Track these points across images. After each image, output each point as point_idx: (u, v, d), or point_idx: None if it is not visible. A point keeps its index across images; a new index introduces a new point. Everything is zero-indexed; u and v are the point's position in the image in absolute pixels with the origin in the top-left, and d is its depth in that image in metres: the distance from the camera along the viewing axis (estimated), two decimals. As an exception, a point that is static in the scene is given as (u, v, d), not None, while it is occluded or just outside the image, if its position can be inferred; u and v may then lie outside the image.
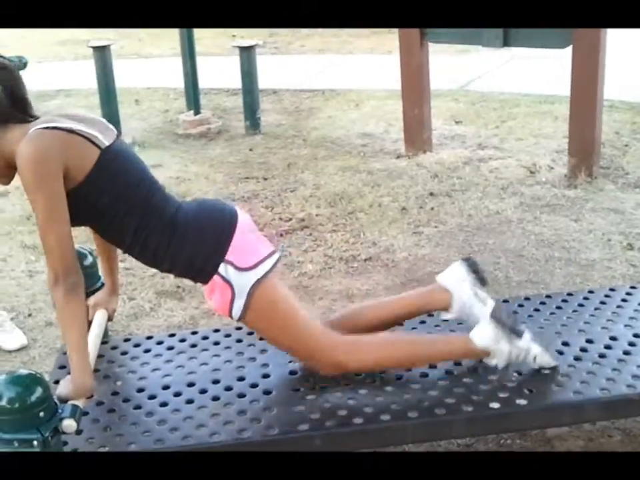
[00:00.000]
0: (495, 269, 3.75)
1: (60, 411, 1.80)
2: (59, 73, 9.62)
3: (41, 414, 1.75)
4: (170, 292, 3.68)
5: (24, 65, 6.46)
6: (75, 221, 1.97)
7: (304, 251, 4.06)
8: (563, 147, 5.27)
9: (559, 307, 2.54)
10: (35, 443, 1.73)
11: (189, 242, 2.05)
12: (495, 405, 2.04)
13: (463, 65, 8.51)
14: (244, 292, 2.04)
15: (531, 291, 3.50)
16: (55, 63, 10.39)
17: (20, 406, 1.73)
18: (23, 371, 1.82)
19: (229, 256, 2.04)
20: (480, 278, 2.31)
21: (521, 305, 2.56)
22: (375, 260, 3.93)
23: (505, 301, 2.60)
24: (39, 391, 1.76)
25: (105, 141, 2.00)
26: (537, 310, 2.52)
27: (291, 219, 4.45)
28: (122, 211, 2.01)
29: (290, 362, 2.27)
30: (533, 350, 2.15)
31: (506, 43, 5.01)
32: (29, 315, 3.48)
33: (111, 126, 2.08)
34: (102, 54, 6.21)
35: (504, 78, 8.00)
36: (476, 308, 2.23)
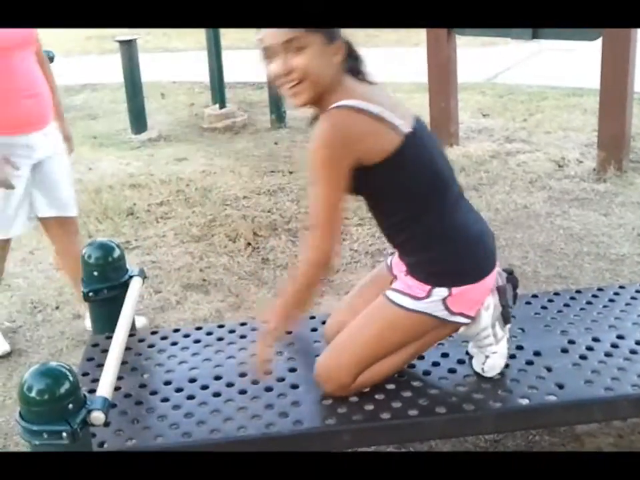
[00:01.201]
0: (523, 264, 3.71)
1: (88, 403, 1.80)
2: (85, 68, 9.70)
3: (70, 406, 1.75)
4: (196, 285, 3.68)
5: (51, 59, 6.51)
6: (353, 192, 1.93)
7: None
8: (592, 140, 5.21)
9: (589, 302, 2.50)
10: (64, 434, 1.73)
11: (454, 252, 1.99)
12: (524, 401, 2.01)
13: (490, 58, 8.44)
14: (421, 308, 2.00)
15: (559, 285, 3.46)
16: (81, 57, 10.48)
17: (49, 398, 1.73)
18: (52, 363, 1.82)
19: (455, 290, 1.98)
20: (506, 314, 2.12)
21: (550, 300, 2.52)
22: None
23: (534, 296, 2.56)
24: (67, 383, 1.76)
25: (405, 128, 1.91)
26: (566, 305, 2.49)
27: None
28: (408, 198, 1.94)
29: (317, 356, 2.26)
30: (499, 345, 2.10)
31: (535, 35, 4.96)
32: (57, 308, 3.50)
33: (411, 111, 2.01)
34: (128, 48, 6.23)
35: (532, 70, 7.93)
36: (488, 339, 2.10)
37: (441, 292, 1.99)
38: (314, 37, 1.85)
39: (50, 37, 11.48)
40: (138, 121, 6.37)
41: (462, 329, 2.08)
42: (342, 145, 1.83)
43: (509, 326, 2.15)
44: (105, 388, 1.89)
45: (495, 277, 2.07)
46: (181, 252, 4.02)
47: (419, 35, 8.46)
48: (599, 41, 4.61)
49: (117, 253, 2.49)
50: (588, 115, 5.97)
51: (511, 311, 2.14)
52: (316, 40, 1.85)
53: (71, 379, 1.78)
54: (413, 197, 1.95)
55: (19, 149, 2.83)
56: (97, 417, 1.79)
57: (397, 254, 2.16)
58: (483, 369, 2.11)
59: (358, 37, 8.00)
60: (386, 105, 1.90)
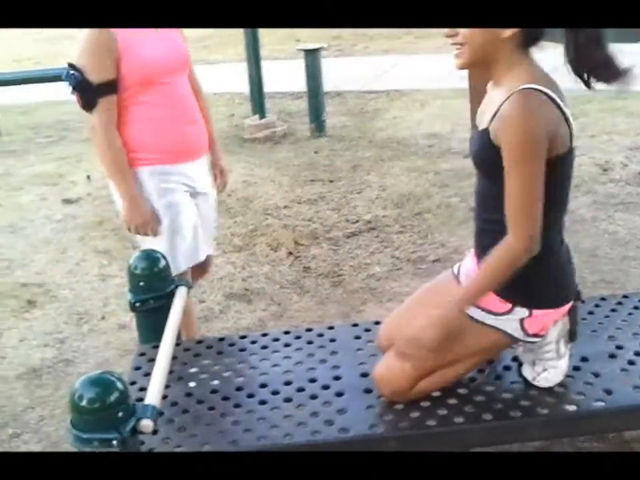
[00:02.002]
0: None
1: (137, 411, 1.83)
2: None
3: (120, 414, 1.78)
4: (238, 295, 3.71)
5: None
6: (487, 171, 1.92)
7: (371, 253, 4.05)
8: (637, 143, 5.15)
9: (636, 307, 2.46)
10: (114, 442, 1.76)
11: (543, 274, 1.96)
12: (572, 408, 1.99)
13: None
14: (496, 324, 1.98)
15: (605, 291, 3.41)
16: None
17: (100, 406, 1.76)
18: (102, 372, 1.85)
19: (536, 312, 1.97)
20: (573, 332, 2.11)
21: (597, 305, 2.49)
22: (444, 261, 3.88)
23: (581, 302, 2.53)
24: (117, 392, 1.78)
25: (574, 137, 1.90)
26: (613, 310, 2.45)
27: (357, 221, 4.45)
28: (547, 205, 1.86)
29: (360, 364, 2.26)
30: (560, 361, 2.07)
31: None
32: (102, 318, 3.56)
33: None
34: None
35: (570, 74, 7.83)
36: (550, 354, 2.07)
37: (521, 312, 1.96)
38: None
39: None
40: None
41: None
42: (543, 126, 1.78)
43: (571, 344, 2.12)
44: (153, 396, 1.91)
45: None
46: (224, 262, 4.05)
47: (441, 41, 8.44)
48: (642, 43, 4.55)
49: (162, 263, 2.52)
50: (633, 118, 5.89)
51: (577, 329, 2.11)
52: None
53: (121, 387, 1.81)
54: (551, 207, 1.88)
55: (177, 177, 2.68)
56: (146, 425, 1.82)
57: (476, 261, 2.07)
58: (535, 378, 2.08)
59: (396, 45, 8.04)
60: (565, 102, 1.87)
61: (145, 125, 2.59)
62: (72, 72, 2.50)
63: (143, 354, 2.48)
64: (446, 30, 1.88)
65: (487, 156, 1.90)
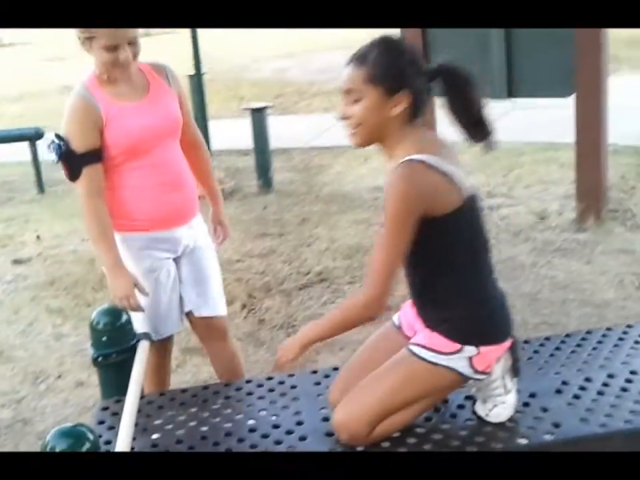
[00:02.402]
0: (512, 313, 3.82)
1: (108, 461, 1.87)
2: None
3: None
4: (195, 349, 3.76)
5: (41, 136, 6.72)
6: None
7: (323, 303, 4.16)
8: (571, 192, 5.40)
9: (578, 345, 2.61)
10: (87, 492, 1.80)
11: (491, 311, 2.11)
12: (524, 441, 2.10)
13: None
14: (446, 363, 2.08)
15: (547, 332, 3.56)
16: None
17: (72, 457, 1.81)
18: (73, 425, 1.90)
19: (484, 349, 2.08)
20: (516, 367, 2.23)
21: (541, 345, 2.63)
22: (395, 309, 3.99)
23: (526, 342, 2.67)
24: (88, 443, 1.83)
25: (467, 192, 2.03)
26: (557, 349, 2.59)
27: (309, 273, 4.56)
28: (452, 262, 2.05)
29: (322, 409, 2.34)
30: (508, 396, 2.18)
31: (510, 94, 5.18)
32: (59, 377, 3.57)
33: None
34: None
35: (507, 128, 8.15)
36: (497, 390, 2.19)
37: (469, 350, 2.07)
38: (372, 91, 1.99)
39: (36, 112, 11.66)
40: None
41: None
42: (415, 199, 1.94)
43: (516, 379, 2.23)
44: (122, 446, 1.96)
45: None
46: (178, 317, 4.10)
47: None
48: (571, 98, 4.84)
49: (124, 317, 2.58)
50: (564, 169, 6.18)
51: (519, 365, 2.24)
52: (374, 93, 1.99)
53: (92, 438, 1.86)
54: (463, 258, 2.06)
55: (160, 243, 2.67)
56: (117, 473, 1.86)
57: (415, 310, 2.22)
58: (487, 414, 2.19)
59: (337, 102, 8.18)
60: (453, 163, 2.03)
61: (128, 191, 2.61)
62: (57, 142, 2.51)
63: (105, 408, 2.51)
64: (340, 113, 2.05)
65: None
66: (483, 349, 2.08)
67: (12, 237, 5.74)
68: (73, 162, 2.51)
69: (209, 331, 2.88)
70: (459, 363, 2.08)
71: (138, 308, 2.61)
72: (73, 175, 2.54)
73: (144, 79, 2.65)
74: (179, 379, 3.46)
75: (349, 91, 2.02)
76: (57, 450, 1.82)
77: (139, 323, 2.67)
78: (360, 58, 2.02)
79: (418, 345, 2.12)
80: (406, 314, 2.32)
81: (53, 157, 2.54)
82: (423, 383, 2.10)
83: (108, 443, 2.24)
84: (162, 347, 2.83)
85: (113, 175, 2.58)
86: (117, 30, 2.44)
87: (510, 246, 4.72)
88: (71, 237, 5.63)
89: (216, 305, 2.85)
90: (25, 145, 7.41)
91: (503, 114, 8.77)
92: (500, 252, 4.62)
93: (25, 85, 15.12)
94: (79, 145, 2.50)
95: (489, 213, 5.36)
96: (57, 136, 2.53)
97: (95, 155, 2.53)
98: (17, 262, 5.09)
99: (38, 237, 5.60)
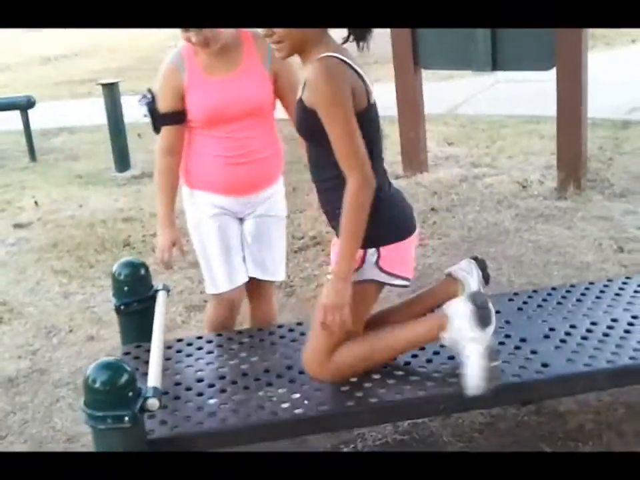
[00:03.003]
0: (498, 274, 4.05)
1: (143, 391, 2.07)
2: (58, 112, 9.90)
3: (130, 394, 2.02)
4: (198, 306, 3.95)
5: (32, 104, 6.86)
6: (310, 135, 2.19)
7: (319, 265, 4.35)
8: (551, 162, 5.62)
9: (563, 297, 2.84)
10: (126, 418, 2.00)
11: (379, 212, 2.19)
12: (516, 379, 2.32)
13: (450, 91, 8.89)
14: (361, 277, 2.24)
15: (533, 291, 3.80)
16: (53, 102, 10.69)
17: (112, 387, 2.00)
18: (110, 358, 2.09)
19: (384, 250, 2.24)
20: (485, 276, 2.54)
21: (530, 297, 2.85)
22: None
23: (515, 294, 2.89)
24: (127, 374, 2.03)
25: (372, 97, 2.19)
26: (544, 300, 2.82)
27: (303, 237, 4.75)
28: None
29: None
30: (476, 347, 2.21)
31: (495, 67, 5.37)
32: (70, 331, 3.74)
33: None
34: (111, 90, 6.52)
35: (489, 101, 8.38)
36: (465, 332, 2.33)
37: (372, 255, 2.23)
38: None
39: (20, 83, 11.70)
40: (122, 159, 6.64)
41: (449, 333, 2.29)
42: (343, 81, 2.08)
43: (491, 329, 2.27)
44: (154, 379, 2.16)
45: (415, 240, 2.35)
46: (180, 277, 4.28)
47: (379, 71, 8.90)
48: (552, 72, 5.04)
49: (143, 270, 2.77)
50: (545, 140, 6.40)
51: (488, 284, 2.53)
52: None
53: (129, 370, 2.05)
54: (372, 156, 2.16)
55: (224, 204, 2.77)
56: (153, 403, 2.06)
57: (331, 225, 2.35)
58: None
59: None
60: (358, 65, 2.17)
61: (199, 155, 2.73)
62: (147, 95, 2.69)
63: (127, 353, 2.70)
64: (263, 31, 2.17)
65: (306, 122, 2.18)
66: (384, 249, 2.24)
67: (10, 202, 5.87)
68: (155, 118, 2.70)
69: (258, 291, 2.98)
70: (369, 271, 2.25)
71: (167, 265, 2.82)
72: (155, 128, 2.73)
73: (240, 53, 2.67)
74: (184, 334, 3.64)
75: None
76: (98, 381, 2.01)
77: (205, 274, 2.86)
78: None
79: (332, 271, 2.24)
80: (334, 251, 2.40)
81: (142, 109, 2.71)
82: (352, 302, 2.20)
83: (133, 382, 2.43)
84: (226, 301, 2.85)
85: (191, 135, 2.73)
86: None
87: (494, 212, 4.93)
88: (68, 203, 5.77)
89: (274, 271, 2.92)
90: (13, 114, 7.50)
91: (486, 87, 8.98)
92: (485, 218, 4.84)
93: (6, 55, 15.08)
94: (160, 105, 2.67)
95: (473, 181, 5.58)
96: (149, 90, 2.71)
97: (173, 117, 2.67)
98: (17, 226, 5.23)
99: (36, 203, 5.73)
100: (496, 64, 5.37)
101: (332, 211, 2.28)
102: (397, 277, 2.30)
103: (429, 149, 6.21)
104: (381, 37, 5.76)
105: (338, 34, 2.22)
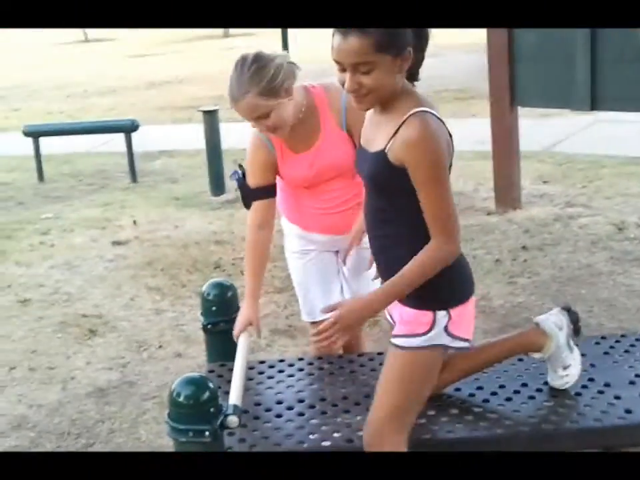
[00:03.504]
0: (589, 317, 3.97)
1: (224, 409, 2.13)
2: (159, 136, 10.25)
3: (211, 409, 2.09)
4: (282, 330, 4.03)
5: (136, 127, 7.20)
6: (386, 189, 2.06)
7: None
8: (650, 205, 5.48)
9: (653, 344, 2.77)
10: (207, 433, 2.06)
11: (452, 270, 2.07)
12: (597, 423, 2.28)
13: (548, 129, 8.78)
14: (430, 342, 2.11)
15: (623, 336, 3.70)
16: (154, 126, 11.10)
17: (195, 402, 2.08)
18: (195, 374, 2.17)
19: (454, 312, 2.10)
20: (576, 329, 2.46)
21: (617, 341, 2.79)
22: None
23: (603, 337, 2.84)
24: (209, 391, 2.09)
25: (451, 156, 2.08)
26: (632, 345, 2.75)
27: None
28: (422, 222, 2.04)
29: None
30: (574, 354, 2.41)
31: (594, 106, 5.29)
32: (160, 347, 3.88)
33: None
34: (211, 117, 6.75)
35: (588, 140, 8.22)
36: (565, 353, 2.40)
37: (442, 318, 2.09)
38: (382, 58, 1.93)
39: (125, 107, 12.19)
40: (217, 184, 6.85)
41: (540, 355, 2.38)
42: (444, 142, 1.97)
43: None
44: (235, 398, 2.22)
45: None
46: (267, 301, 4.37)
47: (475, 107, 8.89)
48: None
49: (231, 292, 2.85)
50: (645, 183, 6.24)
51: (579, 336, 2.48)
52: (384, 60, 1.93)
53: (212, 387, 2.12)
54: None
55: (315, 241, 2.85)
56: (232, 420, 2.12)
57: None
58: (563, 377, 2.42)
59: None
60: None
61: (290, 200, 2.81)
62: (238, 172, 2.74)
63: (211, 371, 2.79)
64: (348, 86, 1.97)
65: (385, 176, 2.03)
66: (454, 311, 2.11)
67: (110, 221, 6.13)
68: (245, 193, 2.72)
69: None
70: (438, 336, 2.11)
71: (235, 338, 2.68)
72: (245, 204, 2.75)
73: (317, 119, 2.64)
74: (268, 357, 3.72)
75: (358, 64, 1.93)
76: (182, 396, 2.09)
77: (302, 301, 2.92)
78: (358, 30, 1.92)
79: (397, 336, 2.15)
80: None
81: (234, 184, 2.78)
82: (419, 370, 2.14)
83: (215, 400, 2.51)
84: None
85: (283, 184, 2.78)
86: (237, 110, 2.52)
87: (588, 253, 4.84)
88: (165, 224, 5.98)
89: None
90: (117, 136, 7.84)
91: (586, 126, 8.83)
92: (578, 259, 4.75)
93: (113, 79, 15.77)
94: (250, 180, 2.69)
95: (567, 221, 5.49)
96: (240, 166, 2.74)
97: (264, 192, 2.68)
98: (116, 243, 5.46)
99: (134, 222, 5.96)
100: (595, 103, 5.29)
101: (387, 268, 2.15)
102: (462, 339, 2.17)
103: (524, 186, 6.15)
104: (478, 73, 5.80)
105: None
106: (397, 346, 2.14)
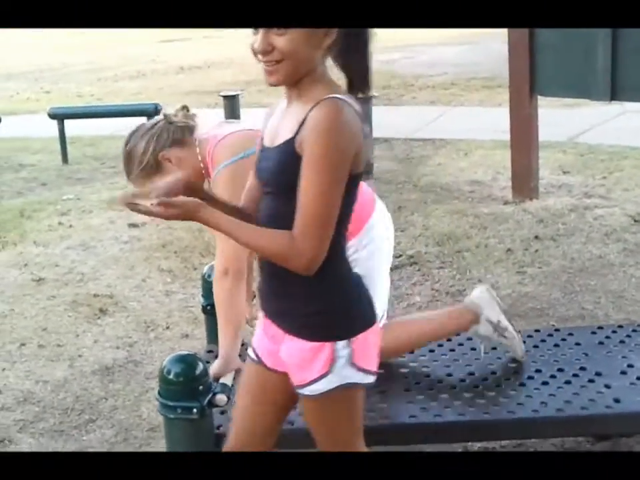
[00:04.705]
0: (596, 308, 3.96)
1: (214, 387, 2.18)
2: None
3: (200, 387, 2.14)
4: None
5: (159, 112, 7.27)
6: (289, 188, 1.69)
7: (412, 284, 4.38)
8: (669, 198, 5.42)
9: (651, 334, 2.76)
10: (194, 410, 2.11)
11: (347, 295, 1.80)
12: (584, 412, 2.29)
13: (572, 118, 8.70)
14: (338, 381, 1.77)
15: (628, 328, 3.68)
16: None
17: (184, 379, 2.13)
18: (186, 352, 2.22)
19: (356, 342, 1.77)
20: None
21: (614, 332, 2.79)
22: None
23: (600, 327, 2.84)
24: (199, 368, 2.15)
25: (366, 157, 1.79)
26: (628, 336, 2.75)
27: (401, 255, 4.78)
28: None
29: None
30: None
31: (614, 96, 5.23)
32: (167, 328, 3.94)
33: None
34: (231, 102, 6.80)
35: (613, 131, 8.13)
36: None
37: (344, 350, 1.75)
38: None
39: (153, 91, 12.29)
40: (236, 168, 6.90)
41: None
42: (353, 137, 1.65)
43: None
44: (227, 377, 2.27)
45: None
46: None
47: (502, 95, 8.80)
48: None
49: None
50: (667, 175, 6.17)
51: None
52: None
53: (202, 365, 2.17)
54: (339, 236, 1.74)
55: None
56: (221, 398, 2.18)
57: (269, 318, 1.88)
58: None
59: (442, 96, 8.45)
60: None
61: None
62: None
63: (210, 351, 2.83)
64: (258, 47, 1.68)
65: (290, 170, 1.68)
66: (356, 340, 1.77)
67: (129, 203, 6.20)
68: None
69: None
70: (345, 372, 1.77)
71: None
72: None
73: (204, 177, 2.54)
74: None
75: None
76: (172, 373, 2.14)
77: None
78: None
79: (301, 385, 1.81)
80: (260, 342, 1.95)
81: None
82: (338, 414, 1.83)
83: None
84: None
85: None
86: None
87: (601, 245, 4.80)
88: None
89: None
90: (141, 120, 7.93)
91: (611, 117, 8.73)
92: (590, 250, 4.73)
93: (144, 64, 15.88)
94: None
95: (582, 212, 5.45)
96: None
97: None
98: (132, 225, 5.52)
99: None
100: (615, 93, 5.24)
101: (288, 298, 1.80)
102: (370, 373, 1.82)
103: (543, 176, 6.11)
104: (505, 62, 5.78)
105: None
106: (306, 395, 1.81)
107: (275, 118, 1.82)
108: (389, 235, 2.67)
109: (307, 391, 1.79)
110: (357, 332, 1.77)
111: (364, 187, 2.26)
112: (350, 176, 1.67)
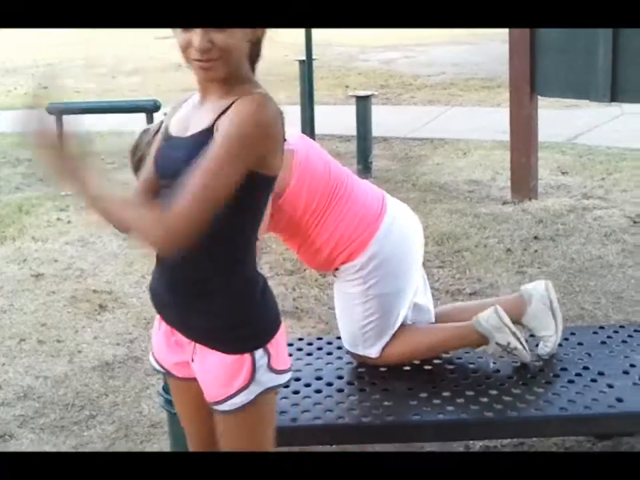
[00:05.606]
0: (595, 308, 3.97)
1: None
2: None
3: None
4: (289, 312, 4.06)
5: (158, 108, 7.21)
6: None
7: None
8: (668, 199, 5.44)
9: (652, 334, 2.77)
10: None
11: (258, 299, 1.76)
12: (587, 411, 2.29)
13: (572, 119, 8.71)
14: (258, 389, 1.74)
15: (628, 328, 3.69)
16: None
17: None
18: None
19: (271, 346, 1.75)
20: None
21: (616, 332, 2.79)
22: (479, 294, 4.20)
23: (601, 327, 2.84)
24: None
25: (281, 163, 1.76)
26: (630, 336, 2.75)
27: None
28: (241, 244, 1.73)
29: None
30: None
31: (613, 98, 5.24)
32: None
33: None
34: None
35: (612, 133, 8.15)
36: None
37: (261, 358, 1.72)
38: None
39: (151, 87, 12.24)
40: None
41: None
42: (265, 132, 1.63)
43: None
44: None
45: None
46: (275, 283, 4.40)
47: (501, 95, 8.82)
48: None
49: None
50: (665, 176, 6.19)
51: None
52: None
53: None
54: (248, 239, 1.73)
55: None
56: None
57: (172, 324, 1.82)
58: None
59: (441, 96, 8.43)
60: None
61: None
62: None
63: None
64: (197, 44, 1.64)
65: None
66: (270, 345, 1.75)
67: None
68: None
69: None
70: (264, 379, 1.74)
71: None
72: None
73: None
74: (274, 336, 3.77)
75: None
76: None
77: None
78: None
79: (218, 402, 1.75)
80: (164, 351, 1.89)
81: None
82: (258, 422, 1.79)
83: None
84: None
85: None
86: None
87: (600, 245, 4.82)
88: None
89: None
90: (139, 116, 7.89)
91: (611, 118, 8.74)
92: (589, 251, 4.74)
93: (142, 61, 15.85)
94: None
95: (581, 212, 5.46)
96: None
97: None
98: (132, 222, 5.53)
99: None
100: (615, 95, 5.25)
101: (199, 311, 1.75)
102: (286, 371, 1.81)
103: (542, 176, 6.12)
104: (505, 62, 5.78)
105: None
106: (224, 412, 1.75)
107: (185, 110, 1.79)
108: (413, 233, 2.77)
109: (225, 406, 1.73)
110: (273, 335, 1.76)
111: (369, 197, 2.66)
112: (259, 176, 1.65)
